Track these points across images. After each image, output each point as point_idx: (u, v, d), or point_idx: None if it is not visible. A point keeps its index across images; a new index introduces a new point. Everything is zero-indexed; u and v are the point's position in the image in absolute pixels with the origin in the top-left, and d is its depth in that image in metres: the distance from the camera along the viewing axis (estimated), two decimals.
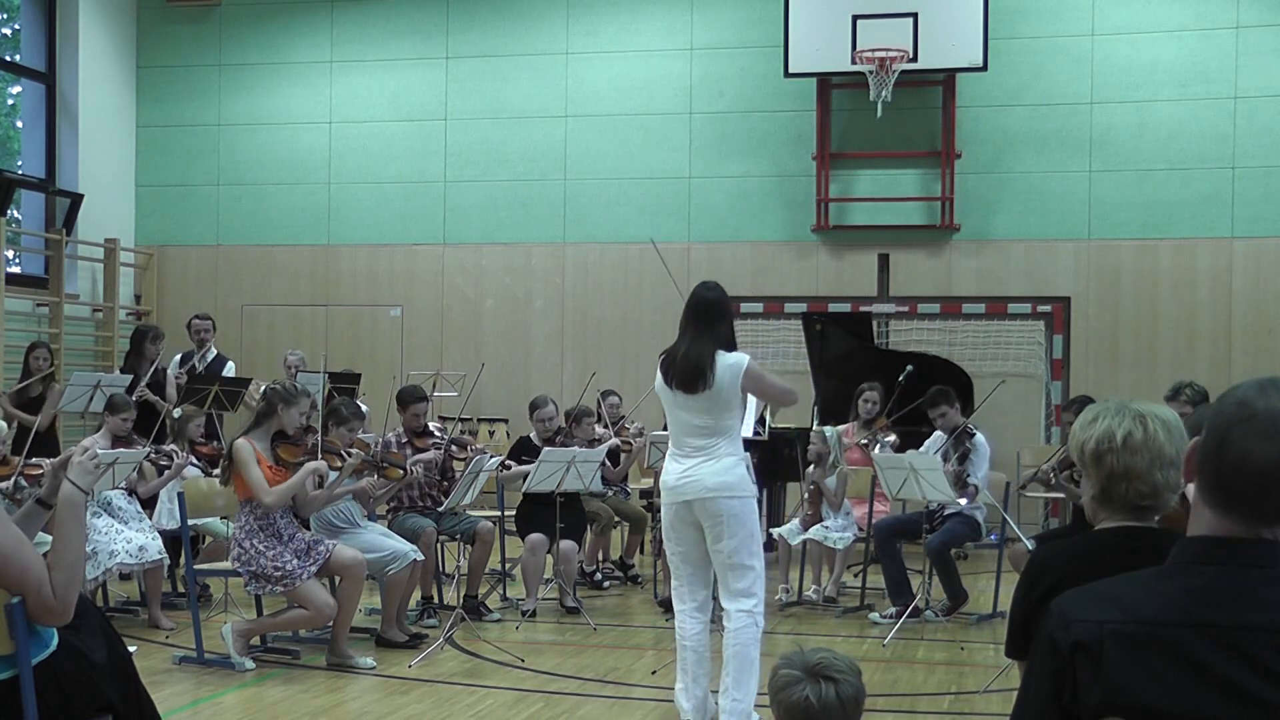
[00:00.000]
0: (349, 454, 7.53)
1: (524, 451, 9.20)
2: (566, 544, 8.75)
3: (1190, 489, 2.11)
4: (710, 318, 5.84)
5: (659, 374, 5.86)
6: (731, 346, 5.83)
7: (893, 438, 9.74)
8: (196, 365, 10.92)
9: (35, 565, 3.37)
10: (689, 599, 5.89)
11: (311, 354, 12.78)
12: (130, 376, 10.29)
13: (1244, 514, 2.02)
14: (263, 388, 8.01)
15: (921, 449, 8.95)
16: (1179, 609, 2.02)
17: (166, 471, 8.50)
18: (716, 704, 5.86)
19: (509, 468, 9.09)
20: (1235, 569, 2.03)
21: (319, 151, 14.68)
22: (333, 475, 7.53)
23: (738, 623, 5.72)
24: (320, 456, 7.28)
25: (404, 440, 8.71)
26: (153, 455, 8.36)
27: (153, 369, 10.67)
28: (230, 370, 11.29)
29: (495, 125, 14.31)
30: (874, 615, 8.58)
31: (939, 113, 13.31)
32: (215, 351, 11.43)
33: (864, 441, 9.67)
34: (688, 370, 5.73)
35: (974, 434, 8.88)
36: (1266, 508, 2.01)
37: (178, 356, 11.67)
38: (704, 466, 5.72)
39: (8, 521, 3.40)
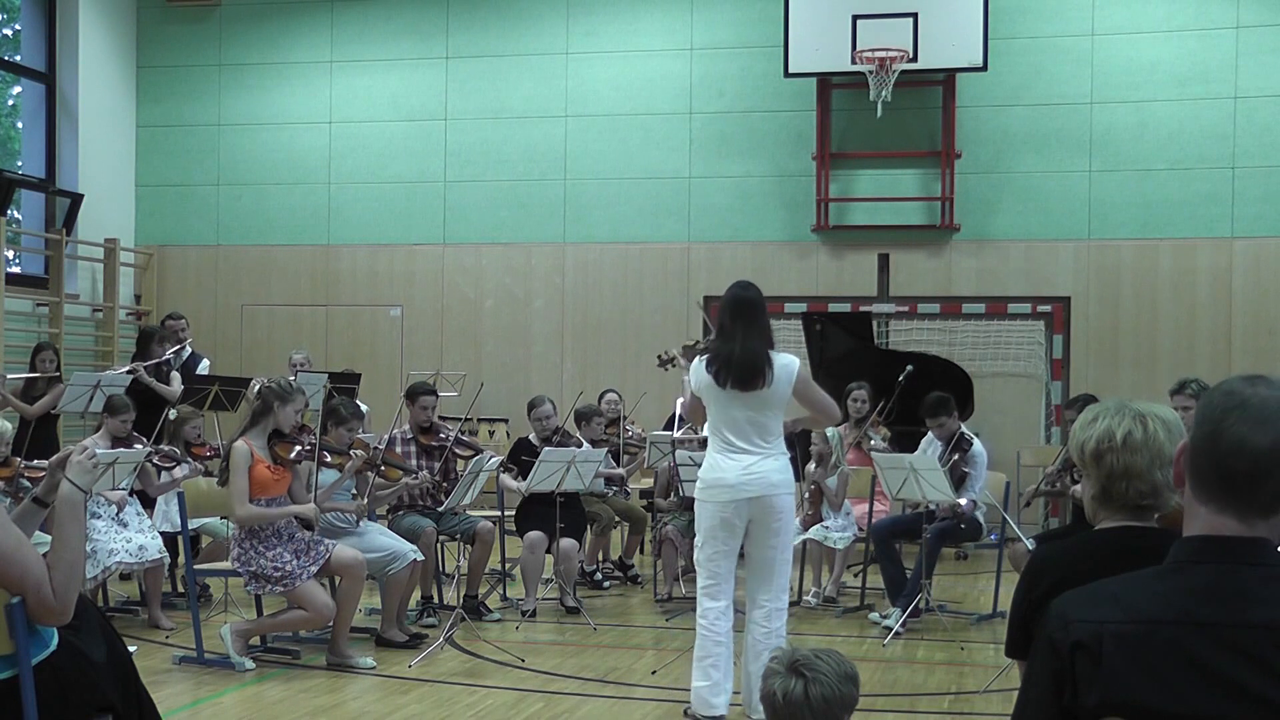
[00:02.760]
0: (346, 453, 7.53)
1: (523, 452, 9.20)
2: (566, 543, 8.74)
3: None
4: (755, 315, 5.92)
5: (705, 373, 5.89)
6: (773, 345, 5.98)
7: (884, 431, 9.76)
8: (172, 362, 10.90)
9: (35, 565, 3.37)
10: (722, 596, 5.97)
11: (312, 354, 12.81)
12: (131, 377, 10.28)
13: (1240, 504, 2.02)
14: (257, 387, 8.01)
15: (917, 451, 8.94)
16: (1178, 608, 2.02)
17: (175, 472, 8.48)
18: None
19: (510, 468, 9.08)
20: (1233, 567, 2.03)
21: (319, 151, 14.68)
22: (331, 474, 7.53)
23: (778, 620, 5.96)
24: (318, 455, 7.28)
25: (409, 437, 8.71)
26: (155, 460, 8.34)
27: (157, 364, 10.67)
28: (205, 368, 11.30)
29: (495, 125, 14.31)
30: (874, 615, 8.57)
31: (939, 113, 13.31)
32: (190, 350, 11.44)
33: (857, 442, 9.67)
34: (746, 368, 5.82)
35: (971, 443, 8.83)
36: (1262, 496, 2.01)
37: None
38: (765, 463, 5.87)
39: (8, 522, 3.40)
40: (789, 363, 5.89)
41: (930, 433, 9.03)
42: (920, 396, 9.30)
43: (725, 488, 5.86)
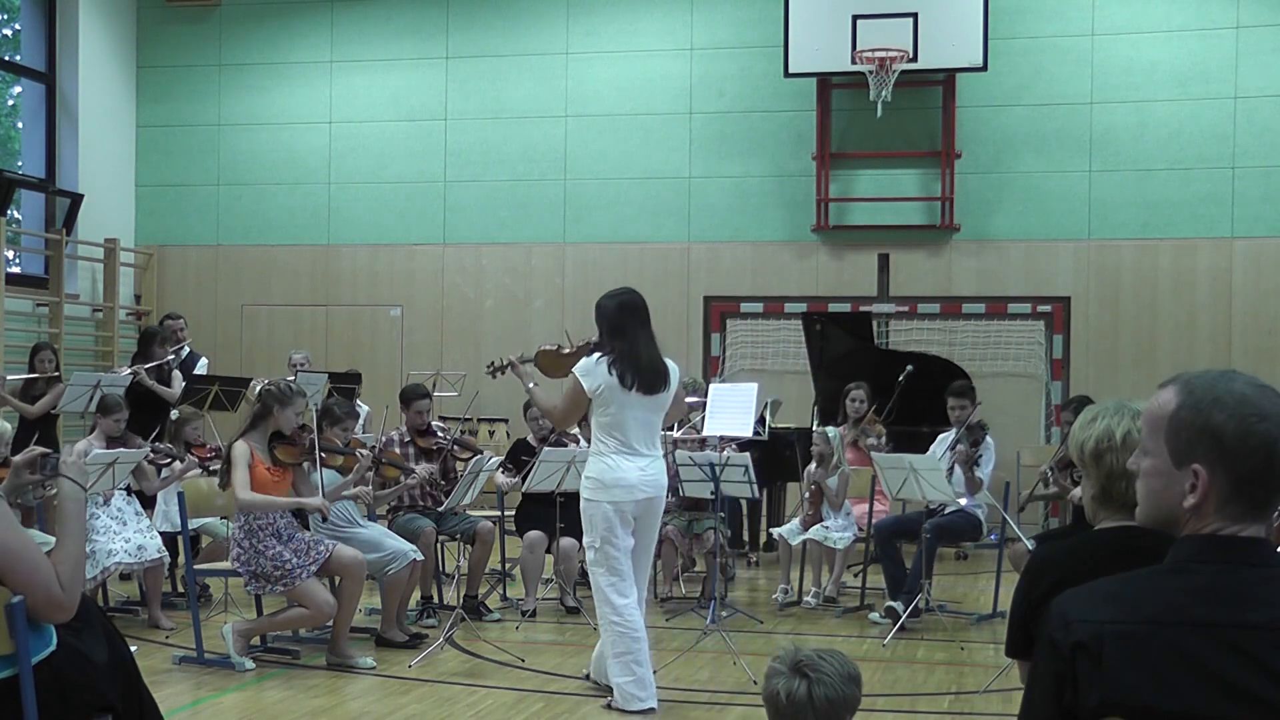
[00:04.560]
0: (348, 454, 7.52)
1: (522, 453, 9.19)
2: (567, 542, 8.74)
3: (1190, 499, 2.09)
4: (647, 320, 6.23)
5: (608, 376, 6.07)
6: None
7: (879, 429, 9.77)
8: (172, 363, 10.91)
9: (44, 563, 3.43)
10: (630, 592, 6.18)
11: (311, 354, 12.80)
12: (132, 378, 10.28)
13: (1271, 511, 2.05)
14: (258, 389, 8.00)
15: (930, 450, 8.95)
16: (1178, 608, 2.02)
17: (174, 468, 8.50)
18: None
19: (509, 469, 9.08)
20: (1234, 567, 2.04)
21: (319, 151, 14.69)
22: (332, 475, 7.52)
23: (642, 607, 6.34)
24: (318, 456, 7.27)
25: (407, 439, 8.71)
26: (151, 456, 8.35)
27: (159, 365, 10.68)
28: (203, 367, 11.31)
29: (495, 125, 14.31)
30: (874, 615, 8.57)
31: (939, 113, 13.31)
32: (188, 350, 11.46)
33: (854, 440, 9.69)
34: (655, 373, 6.13)
35: (985, 432, 8.90)
36: None
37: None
38: (656, 465, 6.20)
39: (15, 523, 3.46)
40: (674, 368, 6.27)
41: (939, 425, 9.02)
42: (920, 397, 9.30)
43: (626, 488, 6.10)
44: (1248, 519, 2.05)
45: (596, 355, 6.14)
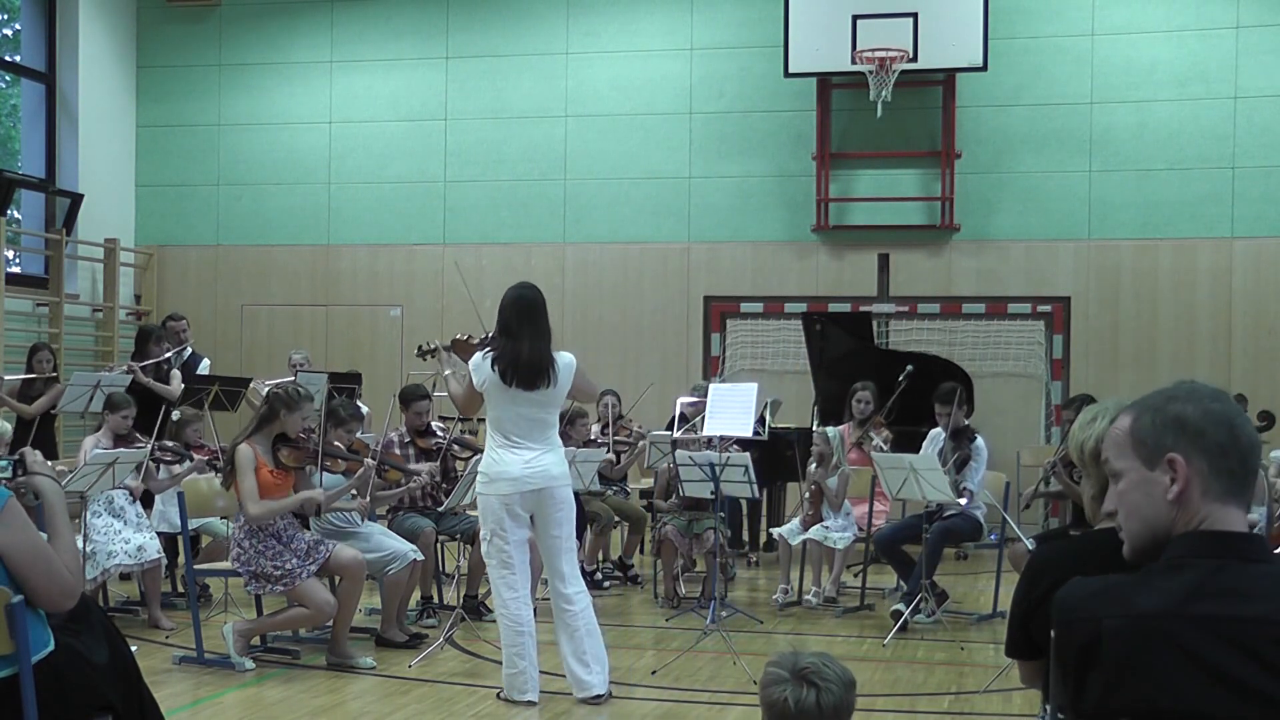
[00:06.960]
0: (352, 459, 7.51)
1: None
2: None
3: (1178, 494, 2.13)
4: (540, 317, 6.30)
5: (490, 371, 6.18)
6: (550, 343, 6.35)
7: (885, 433, 9.76)
8: (172, 361, 10.92)
9: (54, 556, 3.59)
10: (520, 586, 6.31)
11: (311, 354, 12.80)
12: (130, 377, 10.28)
13: (1248, 493, 2.12)
14: (265, 390, 8.01)
15: (921, 450, 8.94)
16: (1177, 604, 2.03)
17: (175, 468, 8.51)
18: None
19: None
20: (1228, 562, 2.05)
21: (319, 151, 14.68)
22: (335, 478, 7.52)
23: (582, 602, 6.32)
24: (321, 460, 7.27)
25: (406, 440, 8.71)
26: (157, 454, 8.35)
27: (156, 364, 10.69)
28: (205, 368, 11.33)
29: (495, 125, 14.31)
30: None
31: (939, 113, 13.31)
32: (190, 350, 11.47)
33: (859, 441, 9.68)
34: (533, 370, 6.18)
35: (975, 438, 8.88)
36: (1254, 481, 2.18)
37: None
38: (546, 456, 6.23)
39: (30, 523, 3.54)
40: (569, 361, 6.30)
41: (937, 425, 9.02)
42: (921, 397, 9.29)
43: (509, 480, 6.19)
44: (1230, 498, 2.09)
45: (484, 351, 6.28)
